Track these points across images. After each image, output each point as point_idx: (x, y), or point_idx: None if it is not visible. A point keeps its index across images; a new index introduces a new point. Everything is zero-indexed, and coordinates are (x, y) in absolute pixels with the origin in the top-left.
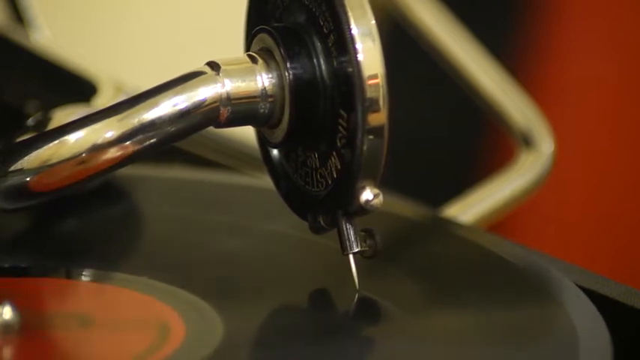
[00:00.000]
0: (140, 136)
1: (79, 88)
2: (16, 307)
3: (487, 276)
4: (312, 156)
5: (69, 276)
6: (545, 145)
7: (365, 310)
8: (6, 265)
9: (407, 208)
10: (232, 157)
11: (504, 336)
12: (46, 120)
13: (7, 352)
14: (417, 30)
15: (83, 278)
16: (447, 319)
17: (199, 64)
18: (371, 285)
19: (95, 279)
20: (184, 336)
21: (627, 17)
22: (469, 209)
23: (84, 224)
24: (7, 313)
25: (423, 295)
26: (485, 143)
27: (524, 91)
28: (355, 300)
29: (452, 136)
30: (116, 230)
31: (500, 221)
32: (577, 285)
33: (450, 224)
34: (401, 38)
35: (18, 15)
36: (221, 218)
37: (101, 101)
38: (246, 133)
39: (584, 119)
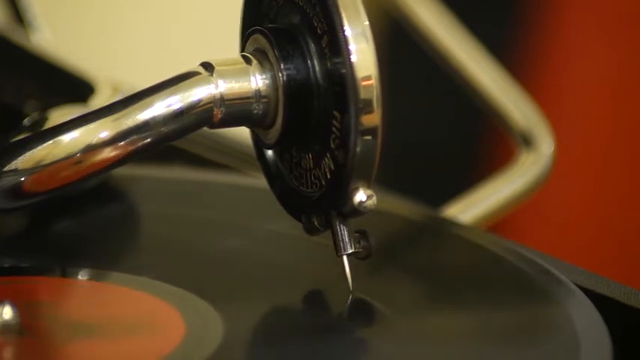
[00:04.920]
0: (134, 137)
1: (77, 88)
2: (16, 307)
3: (487, 276)
4: (307, 157)
5: (68, 275)
6: (545, 145)
7: (366, 311)
8: (6, 265)
9: (407, 208)
10: (232, 157)
11: (504, 336)
12: (43, 120)
13: (7, 352)
14: (417, 30)
15: (83, 278)
16: (446, 319)
17: (196, 65)
18: (371, 285)
19: (95, 278)
20: (184, 336)
21: (627, 17)
22: (469, 209)
23: (84, 224)
24: (7, 313)
25: (423, 295)
26: (485, 143)
27: (524, 91)
28: (355, 301)
29: (452, 136)
30: (116, 230)
31: (500, 221)
32: (577, 285)
33: (450, 224)
34: (401, 38)
35: (18, 16)
36: (221, 218)
37: (99, 102)
38: (247, 132)
39: (584, 119)
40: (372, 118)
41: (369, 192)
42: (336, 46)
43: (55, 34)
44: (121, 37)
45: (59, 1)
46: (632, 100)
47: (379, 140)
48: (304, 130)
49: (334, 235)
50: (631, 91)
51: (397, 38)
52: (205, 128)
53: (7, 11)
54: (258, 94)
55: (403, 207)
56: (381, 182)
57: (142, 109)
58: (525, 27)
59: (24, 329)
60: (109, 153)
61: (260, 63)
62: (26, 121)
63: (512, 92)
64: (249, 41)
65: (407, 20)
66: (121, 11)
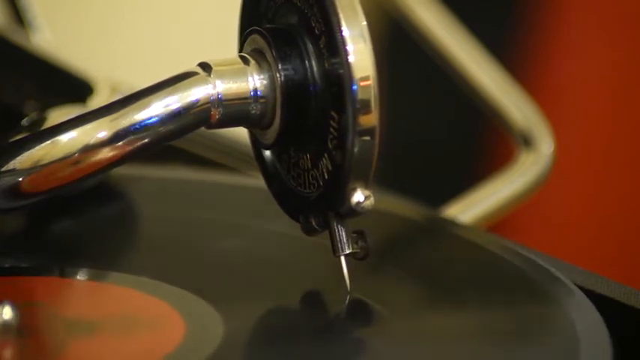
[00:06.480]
0: (131, 137)
1: (77, 88)
2: (15, 307)
3: (487, 276)
4: (304, 157)
5: (68, 275)
6: (545, 145)
7: (367, 311)
8: (6, 265)
9: (407, 208)
10: (232, 157)
11: (504, 336)
12: (42, 120)
13: (7, 352)
14: (417, 30)
15: (82, 278)
16: (446, 319)
17: (194, 65)
18: (371, 285)
19: (94, 278)
20: (185, 336)
21: (627, 17)
22: (469, 209)
23: (84, 224)
24: (7, 313)
25: (423, 296)
26: (485, 143)
27: (524, 91)
28: (354, 301)
29: (452, 136)
30: (115, 230)
31: (500, 221)
32: (577, 285)
33: (449, 224)
34: (401, 38)
35: (18, 16)
36: (221, 218)
37: (98, 102)
38: (246, 132)
39: (584, 119)
40: (370, 119)
41: (367, 192)
42: (333, 46)
43: (55, 34)
44: (121, 37)
45: (59, 1)
46: (632, 100)
47: (377, 141)
48: (302, 130)
49: (332, 235)
50: (631, 91)
51: (397, 38)
52: (204, 128)
53: (7, 11)
54: (255, 95)
55: (403, 207)
56: (381, 182)
57: (140, 109)
58: (525, 27)
59: (24, 329)
60: (106, 153)
61: (258, 63)
62: (25, 121)
63: (512, 92)
64: (247, 41)
65: (407, 20)
66: (121, 11)
